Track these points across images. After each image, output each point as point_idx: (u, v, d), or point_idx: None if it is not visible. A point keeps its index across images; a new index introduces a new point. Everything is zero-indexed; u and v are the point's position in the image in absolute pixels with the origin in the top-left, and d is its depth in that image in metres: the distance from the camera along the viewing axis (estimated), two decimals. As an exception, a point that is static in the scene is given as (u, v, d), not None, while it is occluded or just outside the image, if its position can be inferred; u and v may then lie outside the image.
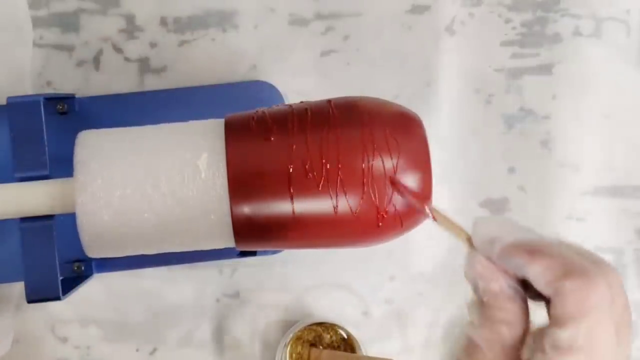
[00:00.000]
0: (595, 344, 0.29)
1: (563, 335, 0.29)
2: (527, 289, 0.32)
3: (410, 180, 0.42)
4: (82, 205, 0.43)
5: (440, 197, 0.54)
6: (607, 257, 0.60)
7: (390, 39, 0.60)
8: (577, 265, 0.30)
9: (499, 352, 0.31)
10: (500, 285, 0.32)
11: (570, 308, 0.29)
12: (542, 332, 0.30)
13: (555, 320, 0.29)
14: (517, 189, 0.60)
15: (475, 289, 0.33)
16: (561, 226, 0.61)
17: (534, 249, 0.31)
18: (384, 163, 0.42)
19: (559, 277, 0.29)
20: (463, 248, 0.35)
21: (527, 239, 0.32)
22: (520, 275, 0.32)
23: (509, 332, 0.31)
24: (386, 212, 0.43)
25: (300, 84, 0.59)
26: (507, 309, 0.31)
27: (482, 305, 0.32)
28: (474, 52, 0.60)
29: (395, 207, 0.43)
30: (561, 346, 0.29)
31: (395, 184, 0.41)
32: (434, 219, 0.38)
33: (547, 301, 0.31)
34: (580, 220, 0.61)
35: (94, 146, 0.44)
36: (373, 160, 0.42)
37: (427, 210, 0.38)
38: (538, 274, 0.30)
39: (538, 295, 0.31)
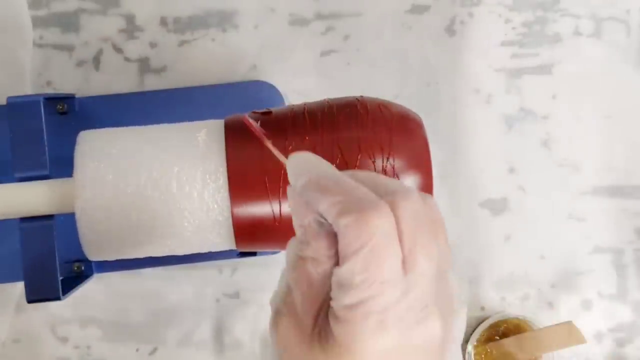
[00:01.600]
0: (374, 276, 0.28)
1: (341, 272, 0.28)
2: None
3: (410, 180, 0.42)
4: (81, 205, 0.43)
5: (441, 197, 0.54)
6: (607, 257, 0.60)
7: (391, 39, 0.60)
8: (354, 201, 0.29)
9: (307, 290, 0.30)
10: (309, 221, 0.30)
11: (344, 246, 0.28)
12: None
13: (338, 259, 0.29)
14: (517, 188, 0.60)
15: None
16: (561, 226, 0.61)
17: (324, 186, 0.30)
18: (385, 163, 0.42)
19: (337, 214, 0.28)
20: None
21: (323, 174, 0.30)
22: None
23: (314, 269, 0.30)
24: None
25: (300, 84, 0.59)
26: (312, 245, 0.30)
27: (295, 243, 0.31)
28: (474, 52, 0.60)
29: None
30: (342, 283, 0.28)
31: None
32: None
33: None
34: (581, 220, 0.61)
35: (93, 146, 0.44)
36: (374, 160, 0.42)
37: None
38: (325, 211, 0.29)
39: None
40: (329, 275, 0.30)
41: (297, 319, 0.30)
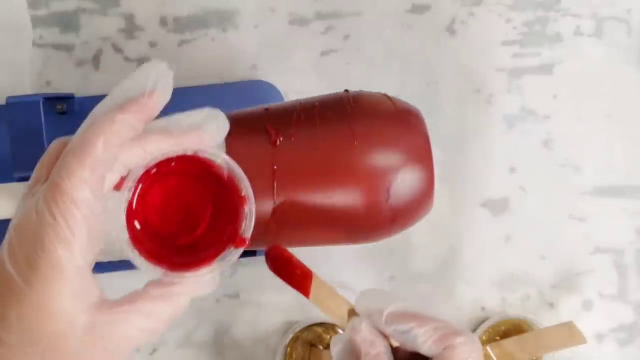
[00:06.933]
0: None
1: None
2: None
3: (411, 175, 0.42)
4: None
5: (441, 197, 0.54)
6: (607, 257, 0.60)
7: (391, 39, 0.60)
8: (457, 327, 0.35)
9: None
10: (380, 350, 0.35)
11: (462, 358, 0.34)
12: None
13: None
14: (518, 188, 0.60)
15: (346, 357, 0.36)
16: (562, 226, 0.60)
17: (419, 315, 0.35)
18: (386, 158, 0.42)
19: (448, 335, 0.34)
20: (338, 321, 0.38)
21: (410, 306, 0.36)
22: (401, 339, 0.35)
23: None
24: (386, 208, 0.42)
25: (300, 84, 0.59)
26: None
27: None
28: (474, 52, 0.60)
29: (395, 204, 0.42)
30: None
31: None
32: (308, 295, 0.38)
33: None
34: (581, 220, 0.61)
35: None
36: (374, 155, 0.42)
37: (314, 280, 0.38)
38: (427, 334, 0.34)
39: None
40: None
41: None
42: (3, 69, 0.57)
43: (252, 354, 0.58)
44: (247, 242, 0.36)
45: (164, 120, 0.36)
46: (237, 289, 0.58)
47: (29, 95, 0.48)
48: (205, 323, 0.58)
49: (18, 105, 0.47)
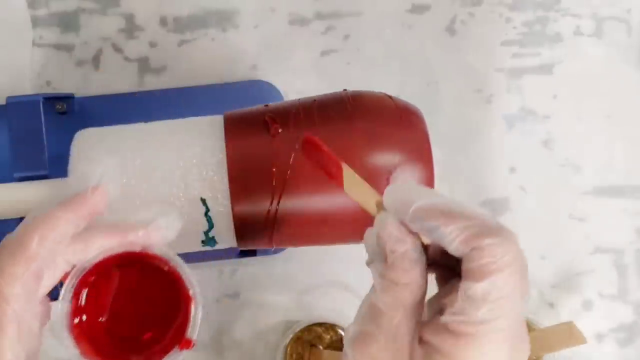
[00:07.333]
0: (506, 296, 0.30)
1: (478, 287, 0.29)
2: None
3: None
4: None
5: (441, 197, 0.54)
6: (607, 257, 0.60)
7: (391, 39, 0.60)
8: (492, 225, 0.30)
9: (403, 315, 0.31)
10: (407, 247, 0.32)
11: (488, 262, 0.30)
12: (447, 290, 0.32)
13: (470, 274, 0.30)
14: (518, 188, 0.60)
15: (376, 253, 0.33)
16: (562, 226, 0.60)
17: (448, 212, 0.31)
18: (386, 157, 0.42)
19: (477, 234, 0.30)
20: (371, 212, 0.35)
21: (440, 202, 0.32)
22: (429, 237, 0.32)
23: (411, 295, 0.31)
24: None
25: (300, 84, 0.59)
26: (410, 272, 0.32)
27: (385, 269, 0.32)
28: (474, 52, 0.60)
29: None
30: (475, 297, 0.29)
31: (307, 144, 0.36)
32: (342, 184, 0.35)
33: (443, 269, 0.33)
34: (581, 220, 0.61)
35: (90, 145, 0.44)
36: (374, 153, 0.42)
37: (344, 169, 0.35)
38: (453, 233, 0.30)
39: (434, 264, 0.34)
40: (421, 303, 0.32)
41: (391, 343, 0.31)
42: (3, 69, 0.57)
43: (252, 353, 0.58)
44: (193, 344, 0.35)
45: (112, 216, 0.35)
46: (237, 289, 0.58)
47: (29, 95, 0.48)
48: (205, 323, 0.58)
49: (18, 105, 0.47)
